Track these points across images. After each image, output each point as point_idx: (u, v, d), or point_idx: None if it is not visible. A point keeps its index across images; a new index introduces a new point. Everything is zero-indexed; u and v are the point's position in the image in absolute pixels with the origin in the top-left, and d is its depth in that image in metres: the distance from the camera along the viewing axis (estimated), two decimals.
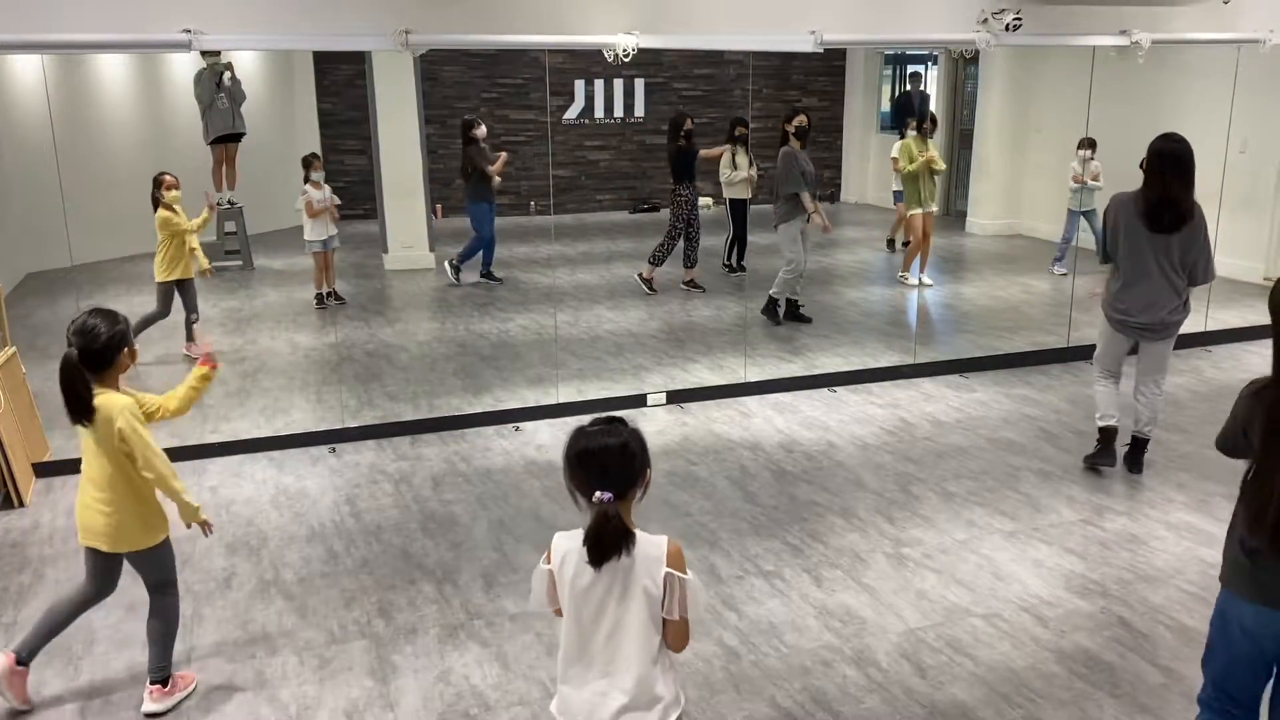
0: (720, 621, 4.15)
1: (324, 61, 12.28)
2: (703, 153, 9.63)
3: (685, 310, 9.02)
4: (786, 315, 8.54)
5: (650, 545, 2.40)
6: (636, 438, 2.44)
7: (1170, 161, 5.01)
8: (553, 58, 12.05)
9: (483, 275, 9.95)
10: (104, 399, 3.43)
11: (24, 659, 3.62)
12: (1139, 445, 5.62)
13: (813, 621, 4.17)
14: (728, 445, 6.07)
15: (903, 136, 9.90)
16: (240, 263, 9.86)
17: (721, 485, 5.49)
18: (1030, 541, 4.85)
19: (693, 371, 7.28)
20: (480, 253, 9.89)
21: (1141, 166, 5.17)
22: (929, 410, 6.64)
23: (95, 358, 3.40)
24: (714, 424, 6.41)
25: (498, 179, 9.85)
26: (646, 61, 12.69)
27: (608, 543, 2.34)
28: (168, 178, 7.05)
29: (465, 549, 4.83)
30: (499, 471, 5.72)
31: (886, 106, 14.57)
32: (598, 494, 2.34)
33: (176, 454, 5.85)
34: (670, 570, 2.37)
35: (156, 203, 7.07)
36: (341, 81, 12.45)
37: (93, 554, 3.59)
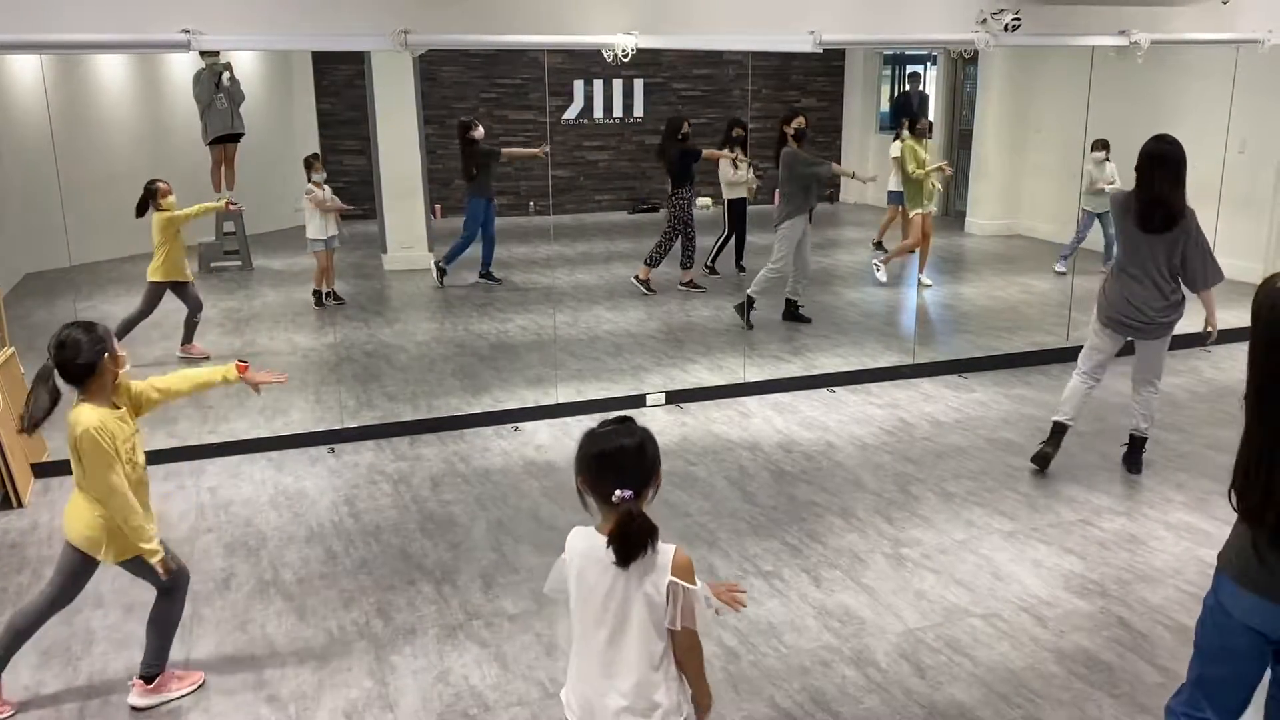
0: (719, 622, 4.15)
1: (323, 62, 12.27)
2: (706, 152, 9.63)
3: (684, 310, 9.02)
4: (786, 315, 8.53)
5: (658, 554, 2.37)
6: (651, 437, 2.42)
7: (1159, 162, 5.04)
8: (552, 58, 12.04)
9: (482, 276, 9.94)
10: (74, 413, 3.39)
11: None
12: (1137, 445, 5.63)
13: (812, 622, 4.17)
14: (727, 445, 6.07)
15: (898, 137, 9.90)
16: (239, 263, 9.86)
17: (720, 485, 5.49)
18: (1029, 542, 4.85)
19: (692, 372, 7.28)
20: (464, 252, 9.86)
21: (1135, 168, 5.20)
22: (928, 410, 6.64)
23: (77, 371, 3.36)
24: (713, 424, 6.41)
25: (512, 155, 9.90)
26: (645, 62, 12.68)
27: (635, 541, 2.30)
28: (163, 185, 7.07)
29: (464, 549, 4.82)
30: (498, 472, 5.72)
31: (886, 107, 14.56)
32: (618, 493, 2.30)
33: (176, 455, 5.87)
34: (674, 579, 2.34)
35: (145, 209, 7.07)
36: (341, 82, 12.43)
37: (70, 550, 3.53)
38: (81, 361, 3.34)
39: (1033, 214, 11.60)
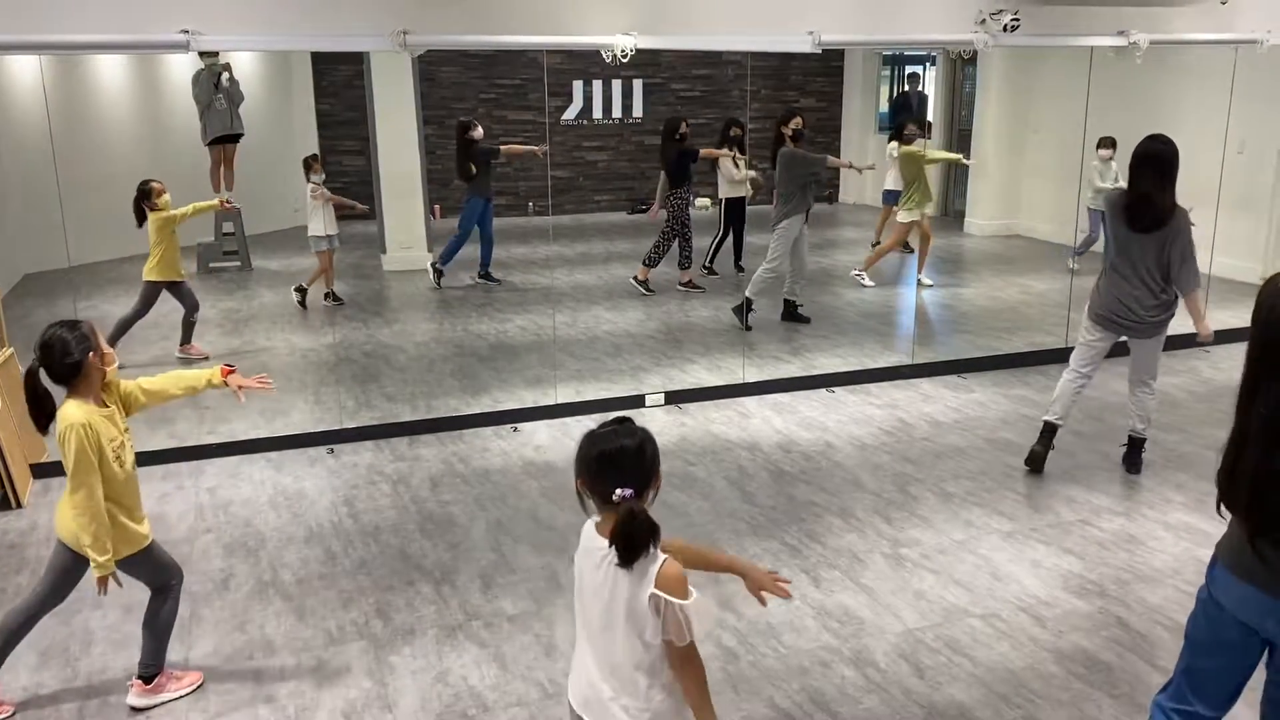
0: (718, 622, 4.15)
1: (322, 62, 12.25)
2: (704, 151, 9.63)
3: (683, 311, 9.02)
4: (784, 316, 8.53)
5: (651, 561, 2.30)
6: (650, 438, 2.40)
7: (1150, 161, 5.05)
8: (551, 58, 12.01)
9: (481, 276, 9.94)
10: (61, 410, 3.37)
11: None
12: (1135, 446, 5.63)
13: (811, 622, 4.17)
14: (726, 446, 6.07)
15: (892, 138, 9.91)
16: (238, 263, 9.85)
17: (720, 486, 5.49)
18: (1028, 542, 4.85)
19: (691, 372, 7.28)
20: (459, 251, 9.84)
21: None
22: (927, 411, 6.64)
23: (62, 371, 3.35)
24: (712, 424, 6.41)
25: (510, 152, 9.93)
26: (644, 62, 12.67)
27: (637, 540, 2.26)
28: (156, 185, 7.07)
29: (463, 550, 4.82)
30: (497, 472, 5.72)
31: (885, 107, 14.57)
32: (618, 492, 2.26)
33: (175, 455, 5.87)
34: (656, 591, 2.27)
35: (142, 213, 7.07)
36: (340, 82, 12.42)
37: (62, 548, 3.52)
38: (67, 361, 3.33)
39: (1032, 214, 11.60)
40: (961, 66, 12.71)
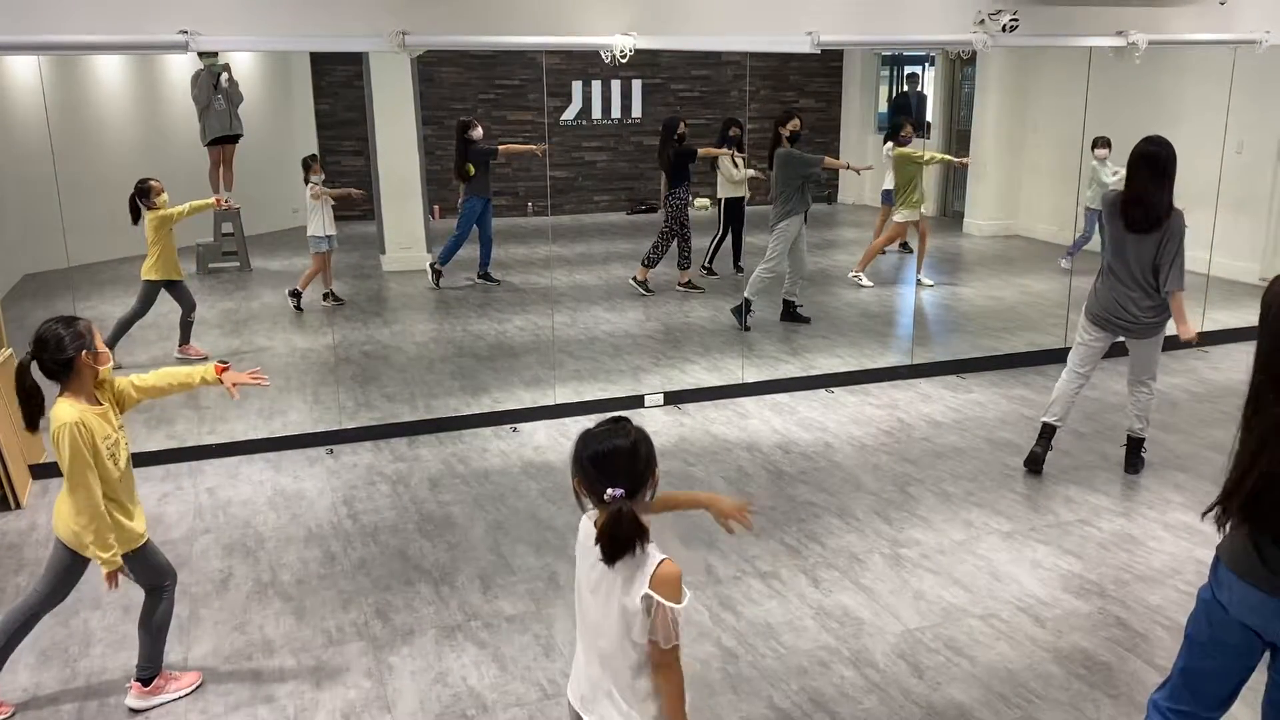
0: (718, 623, 4.15)
1: (321, 62, 12.26)
2: (703, 151, 9.63)
3: (683, 311, 9.02)
4: (784, 316, 8.53)
5: (646, 559, 2.31)
6: (645, 438, 2.41)
7: (1146, 162, 5.06)
8: (550, 59, 12.03)
9: (480, 276, 9.94)
10: (54, 409, 3.36)
11: None
12: (1134, 446, 5.64)
13: (810, 622, 4.17)
14: (725, 446, 6.07)
15: (888, 139, 9.92)
16: (238, 264, 9.84)
17: (719, 486, 5.49)
18: (1027, 542, 4.85)
19: (690, 372, 7.28)
20: (457, 251, 9.84)
21: None
22: (926, 411, 6.64)
23: (53, 367, 3.35)
24: (711, 425, 6.41)
25: (509, 151, 9.96)
26: (644, 62, 12.68)
27: (621, 540, 2.27)
28: (155, 184, 7.06)
29: (462, 550, 4.82)
30: (496, 473, 5.72)
31: (884, 108, 14.57)
32: (609, 491, 2.28)
33: (174, 455, 5.87)
34: (650, 592, 2.27)
35: (137, 211, 7.07)
36: (339, 82, 12.43)
37: (60, 547, 3.52)
38: (59, 358, 3.33)
39: (1031, 215, 11.61)
40: (960, 67, 12.72)
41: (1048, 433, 5.61)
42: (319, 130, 12.30)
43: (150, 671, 3.67)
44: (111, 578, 3.45)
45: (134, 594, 3.73)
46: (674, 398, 6.80)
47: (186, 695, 3.72)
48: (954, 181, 12.59)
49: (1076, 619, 4.19)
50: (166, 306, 7.39)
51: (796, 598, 4.35)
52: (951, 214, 12.51)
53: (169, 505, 5.34)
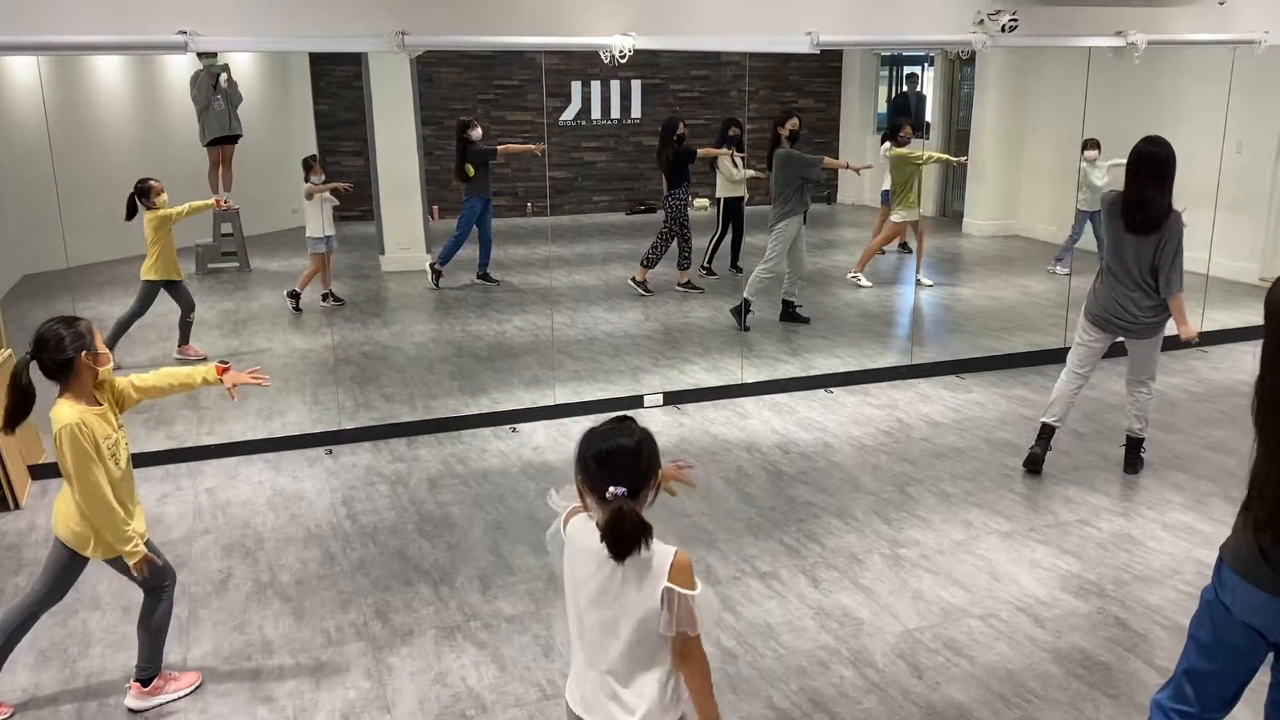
0: (717, 623, 4.15)
1: (321, 63, 12.27)
2: (702, 151, 9.63)
3: (682, 311, 9.02)
4: (783, 316, 8.54)
5: (656, 555, 2.33)
6: (649, 438, 2.41)
7: (1145, 163, 5.05)
8: (549, 59, 12.04)
9: (479, 277, 9.94)
10: (54, 409, 3.36)
11: None
12: (1133, 446, 5.64)
13: (810, 622, 4.17)
14: (724, 446, 6.07)
15: (885, 140, 9.93)
16: (237, 265, 9.85)
17: (718, 486, 5.49)
18: (1027, 542, 4.85)
19: (689, 373, 7.28)
20: (458, 251, 9.84)
21: None
22: (925, 411, 6.64)
23: (50, 366, 3.34)
24: (711, 425, 6.41)
25: (509, 150, 9.97)
26: (643, 63, 12.69)
27: (626, 539, 2.28)
28: (155, 184, 7.07)
29: (462, 550, 4.82)
30: (495, 473, 5.72)
31: (883, 108, 14.57)
32: (611, 490, 2.29)
33: (173, 456, 5.87)
34: (670, 585, 2.30)
35: (133, 207, 7.07)
36: (338, 83, 12.44)
37: (59, 546, 3.52)
38: (59, 358, 3.32)
39: (1030, 215, 11.61)
40: (960, 67, 12.72)
41: (1047, 433, 5.61)
42: (318, 131, 12.32)
43: (150, 672, 3.67)
44: (140, 566, 3.46)
45: (133, 594, 3.73)
46: (673, 398, 6.81)
47: (186, 696, 3.72)
48: (953, 182, 12.59)
49: (1076, 619, 4.19)
50: (165, 307, 7.39)
51: (796, 598, 4.35)
52: (951, 214, 12.51)
53: (168, 506, 5.34)
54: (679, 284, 9.64)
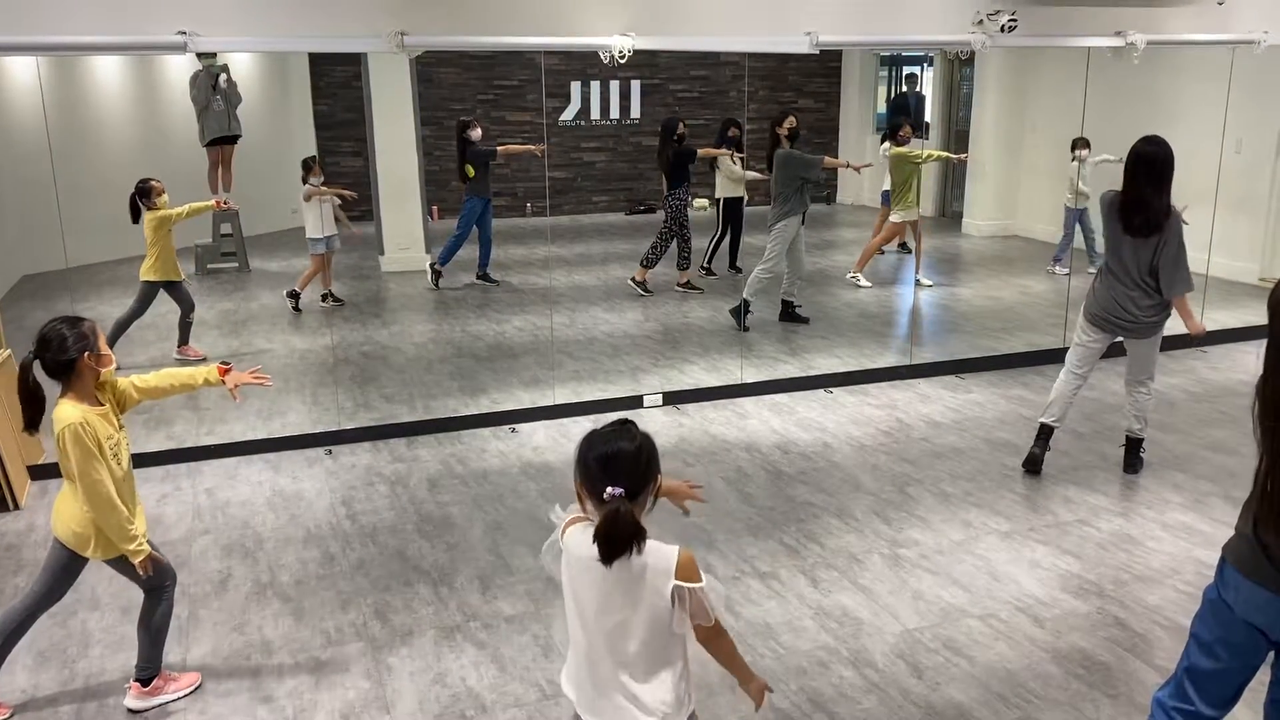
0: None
1: (320, 63, 12.28)
2: (702, 151, 9.63)
3: (682, 312, 9.02)
4: (782, 316, 8.54)
5: (660, 556, 2.35)
6: (650, 442, 2.43)
7: (1143, 163, 5.04)
8: (548, 59, 12.04)
9: (479, 277, 9.94)
10: (56, 409, 3.36)
11: None
12: (1133, 446, 5.64)
13: (809, 622, 4.17)
14: (724, 446, 6.07)
15: (885, 140, 9.94)
16: (236, 265, 9.85)
17: (718, 486, 5.49)
18: (1026, 542, 4.85)
19: (689, 373, 7.28)
20: (458, 251, 9.85)
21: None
22: (925, 411, 6.64)
23: (53, 366, 3.34)
24: (710, 425, 6.41)
25: (508, 151, 9.98)
26: (642, 63, 12.69)
27: (618, 541, 2.29)
28: (156, 184, 7.07)
29: (461, 551, 4.82)
30: (495, 473, 5.72)
31: (882, 108, 14.57)
32: (609, 490, 2.30)
33: (172, 456, 5.87)
34: (679, 583, 2.33)
35: (136, 209, 7.08)
36: (337, 83, 12.45)
37: (59, 547, 3.51)
38: (62, 358, 3.32)
39: (1029, 215, 11.62)
40: (959, 67, 12.73)
41: (1046, 433, 5.61)
42: (318, 131, 12.32)
43: (149, 672, 3.66)
44: (144, 565, 3.46)
45: (132, 595, 3.73)
46: (673, 398, 6.81)
47: (185, 696, 3.71)
48: (953, 181, 12.60)
49: (1075, 619, 4.19)
50: (165, 307, 7.39)
51: (795, 598, 4.36)
52: (950, 214, 12.51)
53: (168, 506, 5.34)
54: (678, 284, 9.64)
